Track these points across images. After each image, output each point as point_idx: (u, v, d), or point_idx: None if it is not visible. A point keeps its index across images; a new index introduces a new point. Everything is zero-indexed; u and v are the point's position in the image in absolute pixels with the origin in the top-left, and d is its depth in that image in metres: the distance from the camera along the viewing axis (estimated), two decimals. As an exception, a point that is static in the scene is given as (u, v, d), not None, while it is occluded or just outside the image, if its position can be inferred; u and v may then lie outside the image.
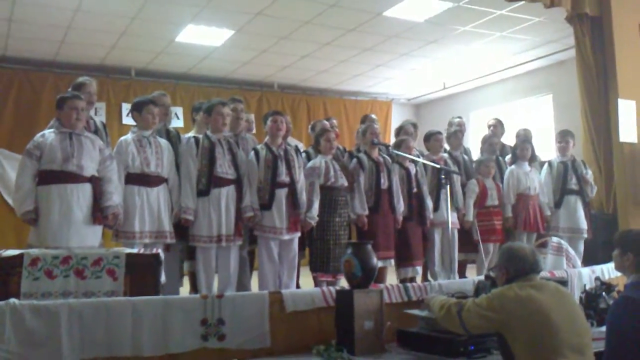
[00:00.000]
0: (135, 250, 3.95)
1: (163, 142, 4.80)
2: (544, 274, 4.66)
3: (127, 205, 4.47)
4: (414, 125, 6.72)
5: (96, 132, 4.79)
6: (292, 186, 4.96)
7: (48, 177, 4.20)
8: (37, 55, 8.32)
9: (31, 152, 4.24)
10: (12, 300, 3.12)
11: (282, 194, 4.93)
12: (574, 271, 4.93)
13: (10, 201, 7.76)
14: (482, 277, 4.33)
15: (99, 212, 4.28)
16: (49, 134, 4.31)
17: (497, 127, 7.05)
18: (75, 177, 4.21)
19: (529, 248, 3.05)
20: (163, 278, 3.86)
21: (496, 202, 6.18)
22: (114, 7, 6.80)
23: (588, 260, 5.88)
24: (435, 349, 3.21)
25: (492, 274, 3.73)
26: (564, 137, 6.55)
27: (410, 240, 5.63)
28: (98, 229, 4.34)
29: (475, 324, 2.89)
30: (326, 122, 6.31)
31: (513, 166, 6.39)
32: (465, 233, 6.09)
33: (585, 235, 6.30)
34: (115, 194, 4.38)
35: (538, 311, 2.73)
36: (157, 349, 3.30)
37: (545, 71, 9.61)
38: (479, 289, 3.92)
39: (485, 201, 6.14)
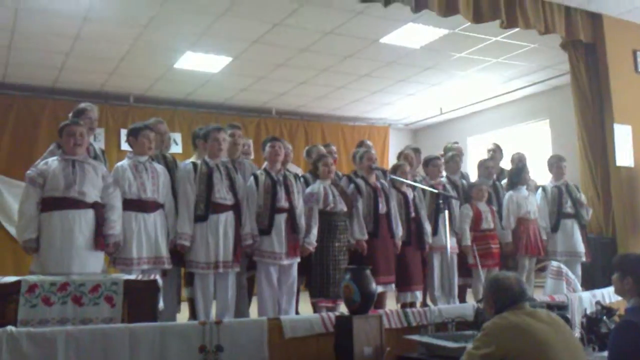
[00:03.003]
0: (133, 277, 3.94)
1: (159, 167, 4.80)
2: (544, 298, 4.65)
3: (124, 232, 4.44)
4: (416, 150, 6.75)
5: (95, 158, 4.80)
6: (291, 211, 4.96)
7: (50, 203, 4.19)
8: (36, 82, 8.37)
9: (34, 179, 4.24)
10: (9, 327, 3.11)
11: (281, 219, 4.92)
12: (575, 295, 4.92)
13: (8, 227, 7.74)
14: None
15: (101, 238, 4.26)
16: (52, 162, 4.32)
17: (497, 152, 7.09)
18: (77, 204, 4.20)
19: (514, 277, 2.98)
20: (161, 304, 3.84)
21: (491, 226, 6.17)
22: (112, 34, 6.86)
23: (588, 284, 5.87)
24: (435, 375, 3.18)
25: (480, 305, 3.70)
26: (557, 161, 6.59)
27: (409, 265, 5.61)
28: (100, 255, 4.32)
29: None
30: (322, 148, 6.33)
31: (511, 191, 6.41)
32: (461, 257, 6.08)
33: (583, 259, 6.29)
34: (118, 223, 4.37)
35: (535, 338, 2.69)
36: (154, 376, 3.27)
37: (541, 96, 9.69)
38: (478, 314, 3.91)
39: (480, 225, 6.13)
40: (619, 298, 4.17)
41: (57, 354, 3.09)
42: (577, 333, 4.05)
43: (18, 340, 3.05)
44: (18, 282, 3.53)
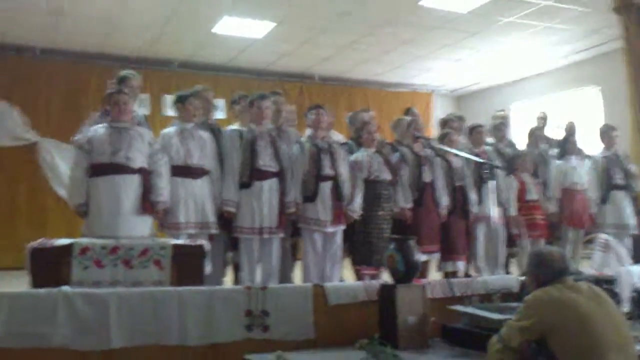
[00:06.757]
0: (181, 241, 4.03)
1: (205, 134, 4.86)
2: (591, 271, 4.58)
3: (172, 197, 4.54)
4: (460, 118, 6.66)
5: (138, 125, 4.87)
6: (336, 179, 4.98)
7: (98, 169, 4.30)
8: (84, 48, 8.50)
9: (82, 145, 4.36)
10: (65, 287, 3.21)
11: (326, 186, 4.94)
12: (623, 269, 4.80)
13: (59, 191, 7.97)
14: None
15: (147, 203, 4.36)
16: (99, 128, 4.42)
17: (545, 120, 6.95)
18: (123, 169, 4.30)
19: (558, 252, 2.95)
20: (208, 268, 3.92)
21: (535, 197, 6.09)
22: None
23: (638, 258, 5.74)
24: (479, 345, 3.17)
25: (523, 278, 3.67)
26: (608, 131, 6.41)
27: (453, 234, 5.59)
28: (147, 219, 4.42)
29: (518, 340, 2.75)
30: (365, 115, 6.28)
31: (560, 161, 6.29)
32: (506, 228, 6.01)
33: (634, 231, 6.15)
34: (166, 189, 4.46)
35: (577, 312, 2.67)
36: (202, 338, 3.34)
37: (591, 62, 9.38)
38: (523, 286, 3.86)
39: (525, 196, 6.05)
40: (671, 272, 4.08)
41: (110, 314, 3.18)
42: (626, 308, 3.98)
43: (72, 300, 3.14)
44: (71, 245, 3.65)
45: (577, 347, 2.63)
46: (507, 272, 5.85)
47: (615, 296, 3.64)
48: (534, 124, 7.30)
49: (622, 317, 2.85)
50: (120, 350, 3.18)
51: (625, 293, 4.31)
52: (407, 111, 6.66)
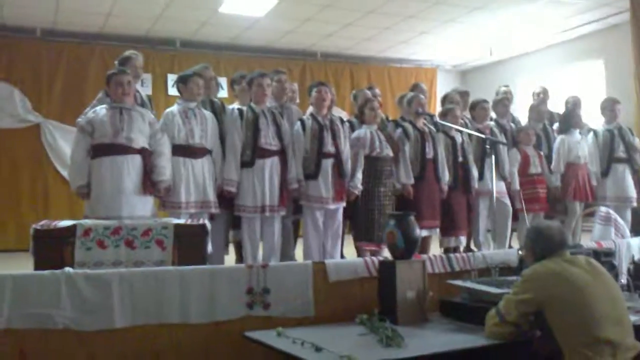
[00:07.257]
0: (183, 221, 4.06)
1: (207, 114, 4.88)
2: (591, 244, 4.58)
3: (173, 176, 4.57)
4: (465, 93, 6.63)
5: (142, 105, 4.90)
6: (337, 156, 5.01)
7: (100, 150, 4.33)
8: (85, 29, 8.46)
9: (84, 127, 4.39)
10: (67, 269, 3.25)
11: (328, 164, 4.97)
12: (623, 242, 4.81)
13: (62, 172, 8.02)
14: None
15: (149, 182, 4.39)
16: (100, 110, 4.44)
17: (545, 95, 6.90)
18: (125, 149, 4.33)
19: (556, 227, 2.97)
20: (209, 248, 3.96)
21: (539, 170, 6.10)
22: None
23: (638, 230, 5.75)
24: (477, 319, 3.20)
25: (521, 253, 3.70)
26: (611, 104, 6.37)
27: (455, 209, 5.62)
28: (149, 199, 4.46)
29: (515, 313, 2.81)
30: (368, 92, 6.27)
31: (563, 135, 6.26)
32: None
33: (634, 204, 6.17)
34: (167, 168, 4.49)
35: (574, 285, 2.69)
36: (204, 316, 3.37)
37: (597, 36, 9.24)
38: (522, 260, 3.88)
39: (528, 169, 6.05)
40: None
41: (112, 294, 3.21)
42: (623, 280, 4.00)
43: (75, 281, 3.17)
44: (74, 226, 3.68)
45: (574, 320, 2.66)
46: (509, 247, 5.87)
47: (613, 268, 3.66)
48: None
49: (618, 289, 2.88)
50: (123, 330, 3.22)
51: (624, 265, 4.33)
52: (414, 87, 6.63)
